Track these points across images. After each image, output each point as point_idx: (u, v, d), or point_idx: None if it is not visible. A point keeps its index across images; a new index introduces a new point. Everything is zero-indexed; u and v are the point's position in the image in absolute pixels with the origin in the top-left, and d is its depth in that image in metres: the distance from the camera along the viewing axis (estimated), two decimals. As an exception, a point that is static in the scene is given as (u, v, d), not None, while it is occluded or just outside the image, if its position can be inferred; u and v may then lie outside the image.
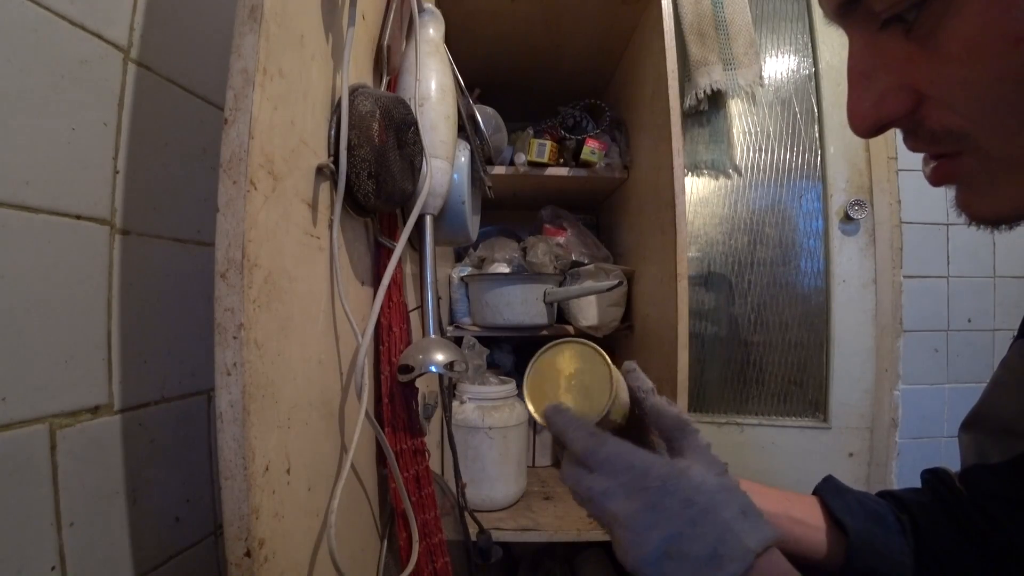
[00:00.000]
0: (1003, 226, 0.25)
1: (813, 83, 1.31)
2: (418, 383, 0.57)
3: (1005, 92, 0.21)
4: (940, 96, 0.23)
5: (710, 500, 0.29)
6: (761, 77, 1.26)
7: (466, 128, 0.72)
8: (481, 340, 0.96)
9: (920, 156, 0.26)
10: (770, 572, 0.28)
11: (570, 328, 1.02)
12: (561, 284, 1.02)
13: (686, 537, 0.28)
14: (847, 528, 0.41)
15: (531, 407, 0.46)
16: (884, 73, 0.24)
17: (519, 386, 0.99)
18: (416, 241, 0.60)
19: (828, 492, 0.44)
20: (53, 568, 0.40)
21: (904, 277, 1.28)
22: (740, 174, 1.32)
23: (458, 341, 0.97)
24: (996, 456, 0.38)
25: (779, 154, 1.32)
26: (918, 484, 0.46)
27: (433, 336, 0.57)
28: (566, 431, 0.35)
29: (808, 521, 0.42)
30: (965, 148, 0.23)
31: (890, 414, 1.26)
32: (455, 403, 0.92)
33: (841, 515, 0.41)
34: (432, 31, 0.61)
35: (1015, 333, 0.41)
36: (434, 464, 0.75)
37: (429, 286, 0.59)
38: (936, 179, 0.26)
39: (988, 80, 0.21)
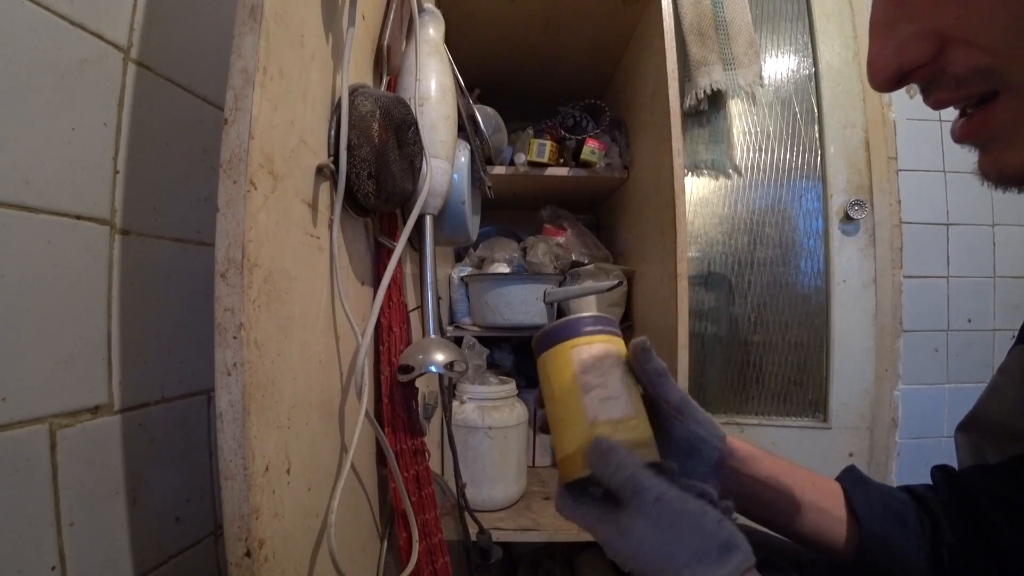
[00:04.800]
0: None
1: (813, 83, 1.31)
2: (418, 383, 0.57)
3: None
4: (965, 34, 0.22)
5: (662, 545, 0.29)
6: (761, 77, 1.26)
7: (466, 128, 0.72)
8: (481, 340, 0.96)
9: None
10: None
11: (570, 328, 1.02)
12: (561, 284, 1.02)
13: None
14: (862, 524, 0.40)
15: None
16: (906, 22, 0.24)
17: (519, 386, 1.00)
18: (416, 241, 0.60)
19: (851, 483, 0.43)
20: (53, 568, 0.40)
21: (904, 277, 1.28)
22: (740, 174, 1.32)
23: (458, 341, 0.97)
24: (992, 457, 0.38)
25: (779, 154, 1.32)
26: (917, 483, 0.45)
27: (433, 336, 0.57)
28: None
29: (831, 511, 0.41)
30: (994, 86, 0.23)
31: (890, 414, 1.26)
32: (455, 403, 0.92)
33: (860, 510, 0.40)
34: (432, 31, 0.61)
35: (1015, 336, 0.41)
36: (434, 464, 0.75)
37: (429, 286, 0.59)
38: (965, 132, 0.25)
39: (1012, 7, 0.20)
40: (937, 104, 0.25)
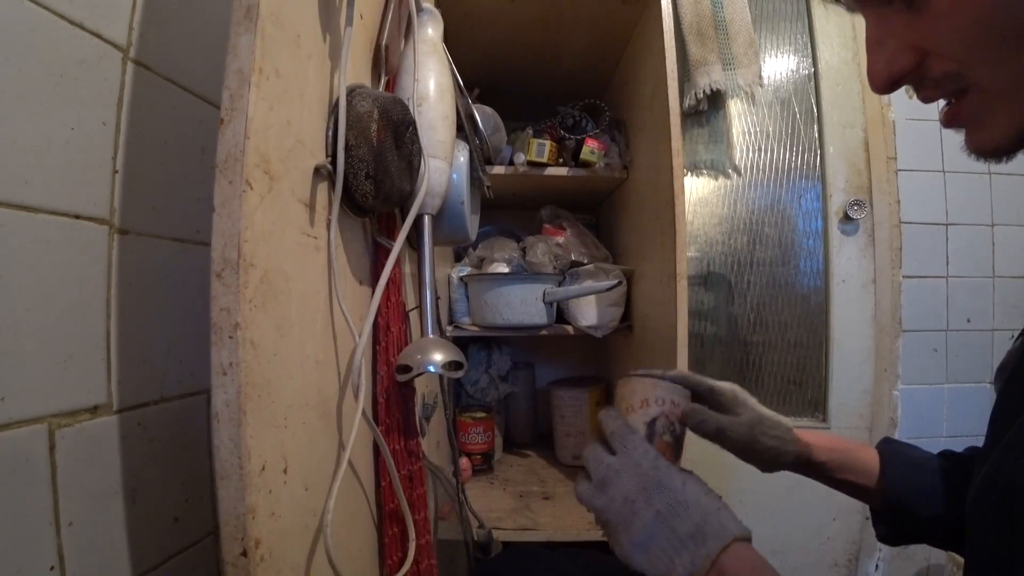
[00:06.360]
0: (1003, 157, 0.30)
1: (812, 83, 1.31)
2: (417, 383, 0.57)
3: (982, 34, 0.27)
4: (936, 48, 0.28)
5: (700, 490, 0.37)
6: (760, 77, 1.26)
7: (465, 128, 0.72)
8: (481, 340, 0.96)
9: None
10: (745, 556, 0.33)
11: (570, 328, 1.02)
12: (560, 284, 1.02)
13: (675, 515, 0.35)
14: (886, 476, 0.50)
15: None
16: (892, 39, 0.30)
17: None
18: (415, 241, 0.60)
19: (887, 454, 0.52)
20: (52, 568, 0.40)
21: (903, 277, 1.28)
22: (739, 174, 1.32)
23: (458, 341, 0.97)
24: None
25: (778, 154, 1.32)
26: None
27: (432, 336, 0.57)
28: (606, 419, 0.43)
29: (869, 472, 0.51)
30: (964, 86, 0.29)
31: (889, 414, 1.26)
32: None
33: (888, 467, 0.51)
34: (431, 31, 0.61)
35: (1014, 336, 0.41)
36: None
37: (427, 286, 0.59)
38: (947, 120, 0.31)
39: (968, 27, 0.27)
40: (926, 100, 0.32)
